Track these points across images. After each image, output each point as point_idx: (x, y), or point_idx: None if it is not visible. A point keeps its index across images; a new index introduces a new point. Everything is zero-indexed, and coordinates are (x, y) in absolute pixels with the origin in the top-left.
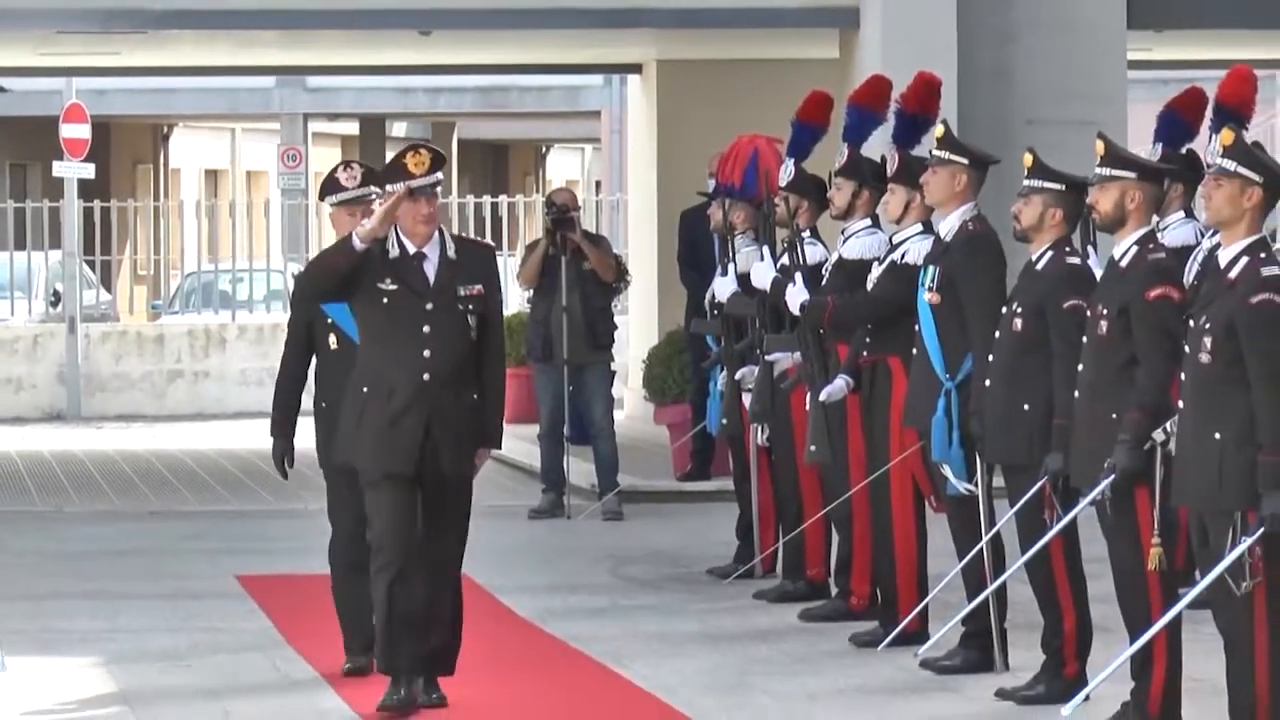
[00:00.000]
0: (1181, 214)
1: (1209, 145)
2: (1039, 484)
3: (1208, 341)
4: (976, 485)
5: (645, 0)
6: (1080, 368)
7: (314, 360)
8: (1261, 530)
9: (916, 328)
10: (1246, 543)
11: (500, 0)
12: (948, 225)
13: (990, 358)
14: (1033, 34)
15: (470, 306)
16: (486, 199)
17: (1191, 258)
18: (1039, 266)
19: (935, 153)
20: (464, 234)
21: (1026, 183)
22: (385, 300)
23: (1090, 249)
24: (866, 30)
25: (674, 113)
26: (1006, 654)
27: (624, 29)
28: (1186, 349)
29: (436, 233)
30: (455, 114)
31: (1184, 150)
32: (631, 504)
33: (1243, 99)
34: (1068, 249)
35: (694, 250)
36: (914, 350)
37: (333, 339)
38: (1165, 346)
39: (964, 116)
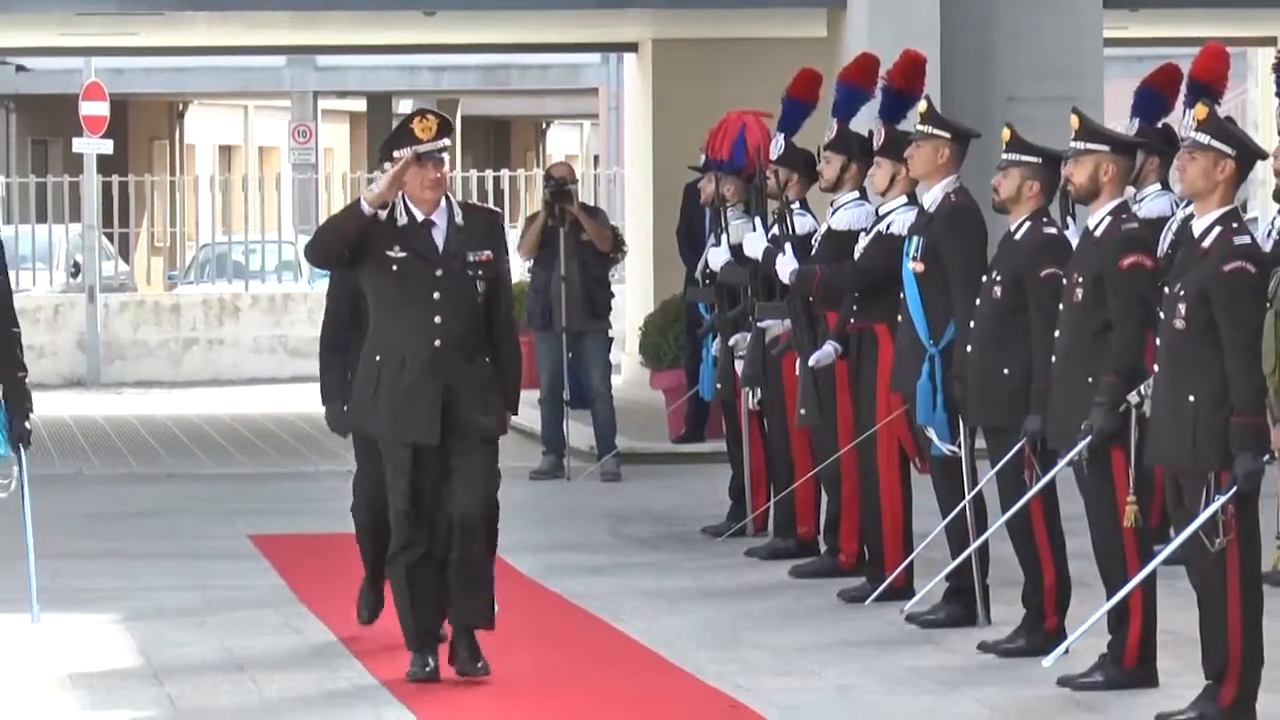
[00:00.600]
0: (1158, 186)
1: (1184, 120)
2: (1019, 445)
3: (1182, 308)
4: (959, 447)
5: None
6: (1057, 333)
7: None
8: (1234, 489)
9: (902, 296)
10: (1219, 501)
11: None
12: (931, 197)
13: (971, 324)
14: (1012, 14)
15: (480, 272)
16: (489, 173)
17: (1166, 228)
18: (1017, 236)
19: (919, 128)
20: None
21: (1005, 156)
22: (395, 268)
23: (1070, 219)
24: (853, 10)
25: (668, 90)
26: (989, 608)
27: (620, 9)
28: (1161, 315)
29: (444, 200)
30: (459, 91)
31: (1160, 124)
32: (629, 465)
33: (1216, 75)
34: (1045, 219)
35: (691, 222)
36: (899, 317)
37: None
38: (1138, 313)
39: (946, 93)
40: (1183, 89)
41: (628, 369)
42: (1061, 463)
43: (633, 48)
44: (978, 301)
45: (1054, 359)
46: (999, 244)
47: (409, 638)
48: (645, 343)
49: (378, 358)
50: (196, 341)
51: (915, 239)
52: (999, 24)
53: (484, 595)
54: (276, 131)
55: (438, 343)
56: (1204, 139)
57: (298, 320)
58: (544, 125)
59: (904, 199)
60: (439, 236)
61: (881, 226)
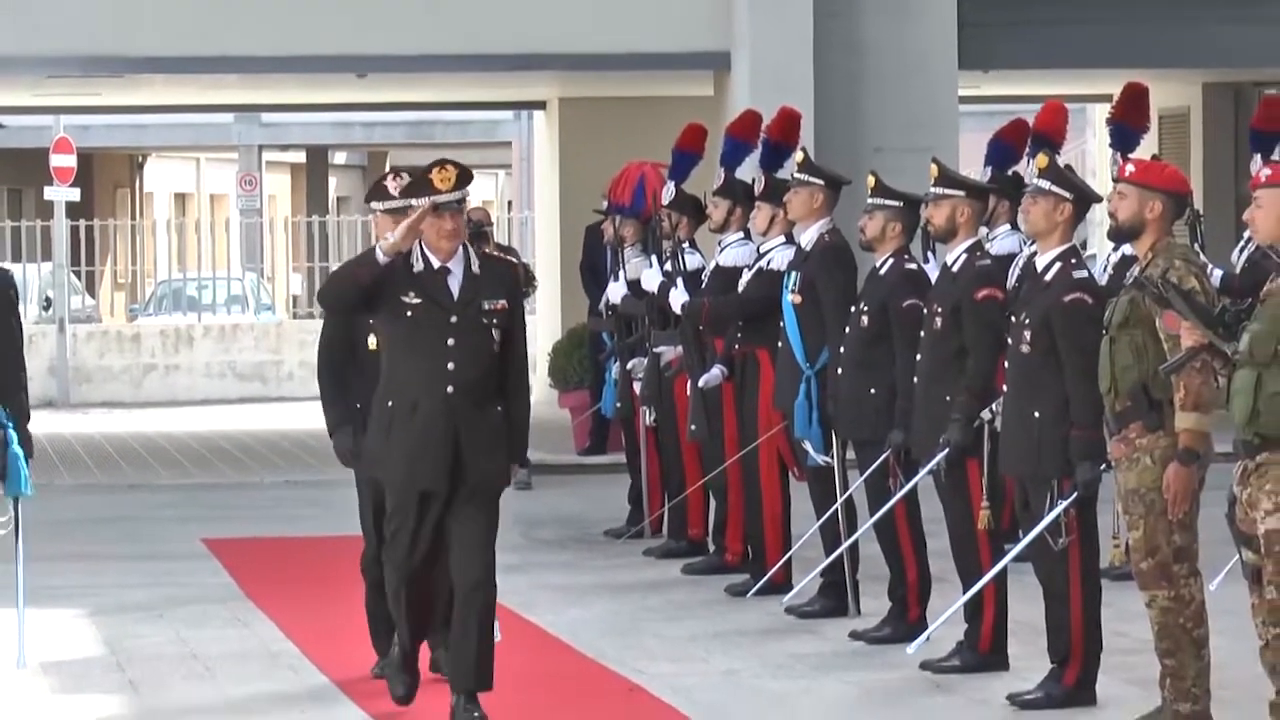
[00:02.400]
0: (1008, 226)
1: (1028, 168)
2: (884, 456)
3: (1027, 334)
4: (832, 457)
5: (548, 46)
6: (918, 357)
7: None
8: (1075, 494)
9: (781, 324)
10: (1062, 505)
11: (426, 46)
12: (807, 237)
13: (842, 349)
14: (878, 74)
15: (494, 320)
16: None
17: (1014, 264)
18: (882, 271)
19: (797, 175)
20: (500, 246)
21: (870, 200)
22: (409, 314)
23: (930, 255)
24: (737, 72)
25: (573, 143)
26: (859, 601)
27: (531, 71)
28: (1009, 341)
29: (460, 247)
30: (388, 144)
31: (1010, 172)
32: (540, 475)
33: (1055, 128)
34: (906, 256)
35: (592, 260)
36: (779, 343)
37: (372, 339)
38: (990, 339)
39: (820, 144)
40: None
41: (538, 390)
42: (922, 471)
43: (542, 105)
44: (848, 329)
45: (915, 380)
46: (866, 278)
47: (398, 667)
48: (553, 366)
49: (390, 403)
50: (155, 367)
51: (794, 274)
52: (867, 83)
53: (484, 659)
54: (225, 180)
55: (450, 389)
56: (1045, 185)
57: (245, 348)
58: None
59: (782, 238)
60: (454, 284)
61: (763, 263)
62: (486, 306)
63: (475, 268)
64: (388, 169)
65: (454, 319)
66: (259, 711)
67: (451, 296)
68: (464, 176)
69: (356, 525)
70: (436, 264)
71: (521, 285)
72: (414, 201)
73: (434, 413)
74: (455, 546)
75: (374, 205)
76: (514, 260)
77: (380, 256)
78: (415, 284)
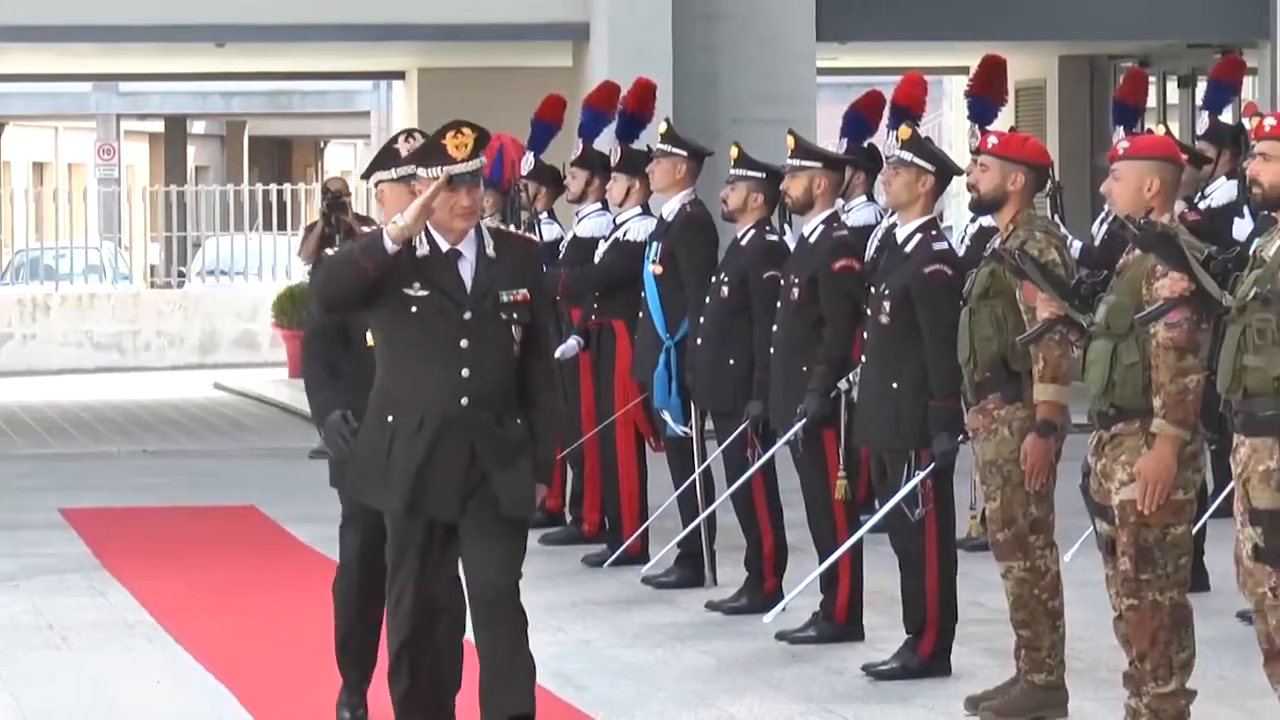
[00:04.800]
0: (864, 198)
1: (887, 139)
2: (742, 426)
3: (887, 305)
4: (690, 428)
5: (408, 16)
6: (776, 328)
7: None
8: (932, 465)
9: (642, 295)
10: (920, 476)
11: (284, 15)
12: (669, 207)
13: (702, 320)
14: (737, 45)
15: (514, 315)
16: (273, 187)
17: (873, 235)
18: (743, 243)
19: (660, 146)
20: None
21: (733, 171)
22: (415, 309)
23: (787, 227)
24: (595, 42)
25: (433, 113)
26: (715, 571)
27: (390, 41)
28: (868, 312)
29: (474, 228)
30: (246, 114)
31: (865, 144)
32: None
33: (915, 100)
34: (768, 228)
35: None
36: (639, 314)
37: (368, 335)
38: (847, 310)
39: (678, 115)
40: (886, 113)
41: None
42: (780, 442)
43: (400, 75)
44: (708, 300)
45: (773, 351)
46: (727, 249)
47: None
48: None
49: (390, 418)
50: (12, 336)
51: (655, 244)
52: (724, 54)
53: (524, 679)
54: (83, 150)
55: (465, 400)
56: (907, 156)
57: (102, 317)
58: (322, 144)
59: (639, 209)
60: (467, 271)
61: (619, 234)
62: (505, 298)
63: (490, 250)
64: (398, 136)
65: (468, 315)
66: (114, 681)
67: (464, 287)
68: (481, 141)
69: (213, 494)
70: (445, 247)
71: (543, 268)
72: (422, 172)
73: (444, 428)
74: (471, 562)
75: (379, 175)
76: (535, 240)
77: (389, 244)
78: (420, 272)
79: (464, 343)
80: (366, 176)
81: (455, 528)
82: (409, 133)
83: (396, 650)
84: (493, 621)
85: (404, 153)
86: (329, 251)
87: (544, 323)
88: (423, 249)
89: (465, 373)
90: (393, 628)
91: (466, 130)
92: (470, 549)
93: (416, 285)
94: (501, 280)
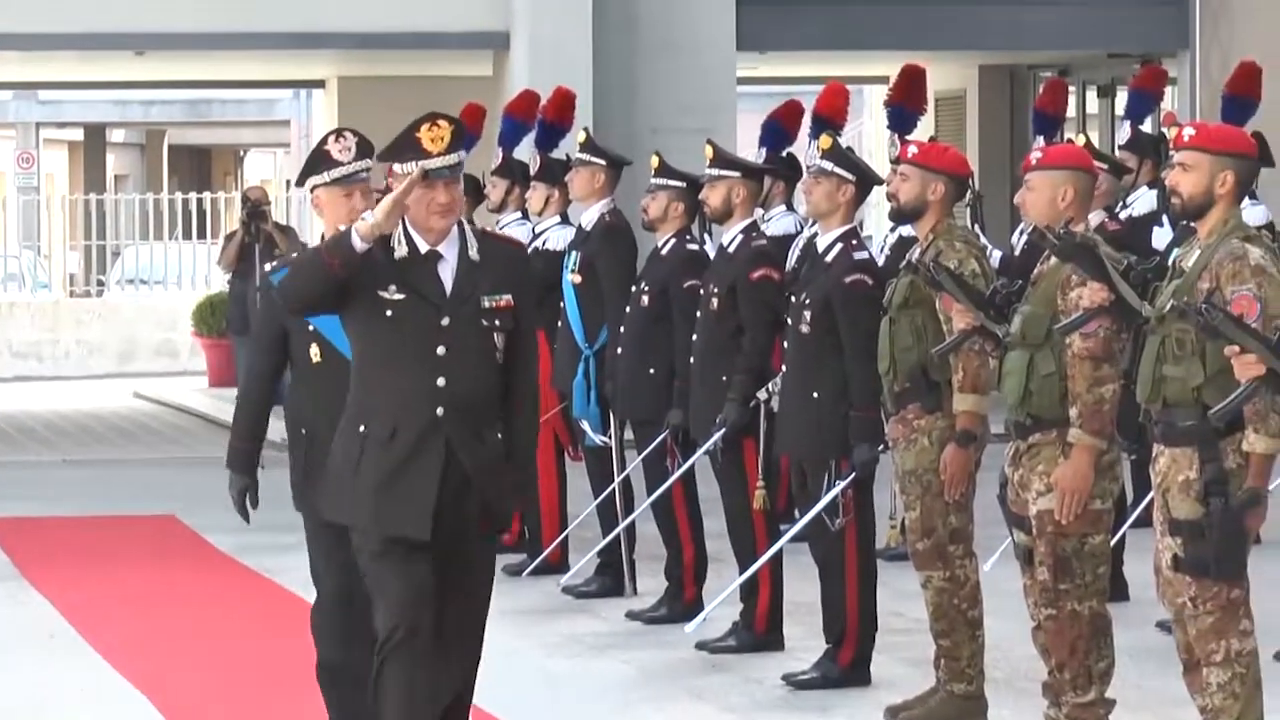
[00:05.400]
0: (783, 207)
1: (809, 149)
2: (662, 436)
3: (807, 314)
4: (610, 437)
5: (327, 25)
6: (696, 337)
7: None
8: (852, 475)
9: (561, 304)
10: (840, 486)
11: (204, 24)
12: (588, 216)
13: (622, 329)
14: (657, 54)
15: (497, 321)
16: (193, 195)
17: (793, 244)
18: (663, 252)
19: (579, 156)
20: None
21: (653, 181)
22: (389, 313)
23: (707, 236)
24: (515, 51)
25: (353, 122)
26: (635, 581)
27: (310, 50)
28: (789, 321)
29: (455, 227)
30: (166, 123)
31: (785, 153)
32: None
33: (837, 110)
34: (688, 237)
35: None
36: (559, 323)
37: (315, 350)
38: (767, 319)
39: (598, 125)
40: (806, 122)
41: None
42: (699, 451)
43: (320, 84)
44: (628, 309)
45: (693, 360)
46: (647, 258)
47: None
48: None
49: (362, 427)
50: None
51: (574, 254)
52: (644, 63)
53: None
54: (2, 158)
55: (440, 410)
56: (828, 166)
57: (21, 326)
58: (242, 153)
59: (558, 218)
60: (446, 273)
61: (538, 243)
62: (487, 304)
63: (474, 252)
64: (328, 137)
65: (446, 320)
66: (33, 691)
67: (443, 291)
68: (459, 134)
69: (133, 503)
70: (424, 248)
71: (529, 273)
72: (396, 167)
73: (418, 440)
74: (441, 604)
75: (313, 180)
76: (522, 243)
77: (357, 242)
78: (397, 274)
79: (441, 349)
80: (300, 183)
81: (430, 553)
82: (338, 133)
83: (400, 675)
84: (448, 653)
85: (335, 154)
86: (279, 260)
87: (530, 330)
88: (401, 250)
89: (441, 381)
90: (383, 653)
91: (443, 122)
92: (439, 571)
93: (392, 288)
94: (484, 284)
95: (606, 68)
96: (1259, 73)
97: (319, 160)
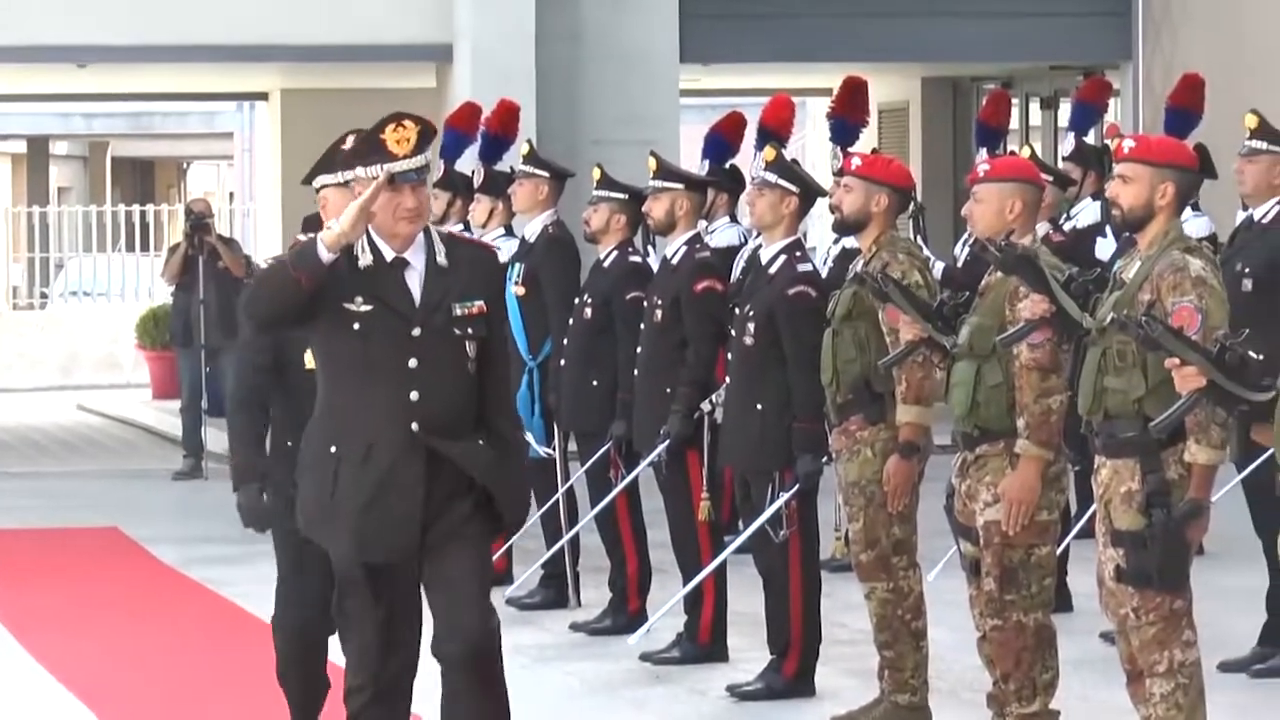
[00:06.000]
0: (727, 219)
1: (754, 161)
2: (605, 447)
3: (751, 326)
4: (554, 449)
5: (270, 38)
6: (640, 349)
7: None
8: (796, 486)
9: (504, 315)
10: (784, 498)
11: (146, 36)
12: (531, 228)
13: (566, 341)
14: (599, 66)
15: (469, 329)
16: (136, 208)
17: (738, 256)
18: (606, 264)
19: (522, 168)
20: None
21: (595, 193)
22: (356, 325)
23: (650, 248)
24: (458, 63)
25: (295, 134)
26: (579, 593)
27: (253, 63)
28: (733, 333)
29: (423, 233)
30: (109, 135)
31: (728, 165)
32: None
33: (782, 122)
34: (630, 249)
35: None
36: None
37: (309, 357)
38: (710, 331)
39: (541, 136)
40: (751, 133)
41: None
42: (643, 463)
43: (264, 96)
44: (571, 321)
45: (637, 372)
46: (590, 270)
47: None
48: None
49: (334, 448)
50: None
51: (517, 265)
52: (587, 75)
53: None
54: None
55: (415, 426)
56: (772, 178)
57: None
58: (185, 165)
59: (502, 230)
60: (415, 282)
61: None
62: (459, 311)
63: (442, 258)
64: (346, 136)
65: (416, 331)
66: None
67: (412, 300)
68: (426, 135)
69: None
70: (390, 256)
71: (502, 277)
72: (360, 171)
73: (394, 460)
74: (436, 614)
75: (323, 179)
76: (493, 246)
77: (323, 252)
78: (363, 284)
79: (413, 362)
80: (308, 181)
81: (412, 577)
82: (358, 132)
83: (352, 690)
84: (471, 688)
85: (392, 146)
86: (260, 274)
87: (501, 337)
88: (365, 258)
89: (414, 395)
90: (352, 671)
91: (409, 123)
92: (434, 595)
93: (358, 299)
94: (455, 291)
95: (549, 80)
96: (1202, 84)
97: (332, 158)
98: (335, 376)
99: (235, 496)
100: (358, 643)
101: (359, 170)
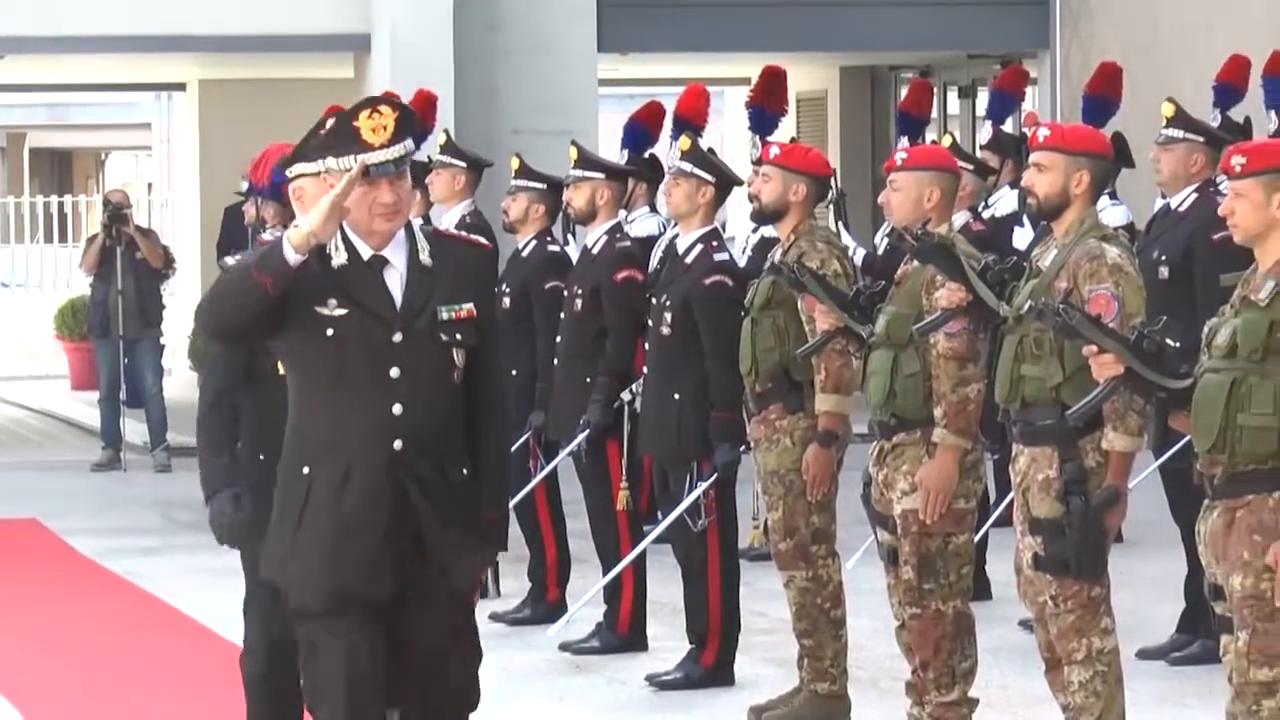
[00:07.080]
0: (647, 209)
1: (670, 150)
2: (525, 437)
3: (668, 316)
4: None
5: (188, 28)
6: (559, 339)
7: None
8: (714, 476)
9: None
10: (702, 487)
11: (64, 27)
12: (449, 218)
13: None
14: (517, 55)
15: (457, 335)
16: (54, 198)
17: (656, 246)
18: (524, 254)
19: (439, 158)
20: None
21: (514, 182)
22: (330, 331)
23: (570, 238)
24: (376, 54)
25: (214, 124)
26: (499, 582)
27: (170, 53)
28: (650, 323)
29: (403, 230)
30: (26, 126)
31: (647, 154)
32: (179, 458)
33: (698, 111)
34: (549, 238)
35: (231, 241)
36: None
37: (279, 364)
38: (630, 320)
39: (460, 126)
40: (668, 123)
41: (178, 372)
42: (563, 453)
43: (181, 87)
44: None
45: (556, 361)
46: (508, 260)
47: None
48: (193, 349)
49: (306, 469)
50: None
51: None
52: (505, 65)
53: None
54: None
55: (398, 444)
56: (688, 167)
57: None
58: (103, 156)
59: (420, 220)
60: (395, 283)
61: None
62: (445, 315)
63: (425, 256)
64: (326, 120)
65: (398, 336)
66: None
67: (392, 303)
68: (404, 122)
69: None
70: (367, 254)
71: (493, 276)
72: (333, 162)
73: (373, 481)
74: (418, 668)
75: (300, 168)
76: (484, 241)
77: (290, 254)
78: (337, 285)
79: (394, 371)
80: (285, 167)
81: (391, 615)
82: (339, 112)
83: None
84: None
85: (366, 135)
86: (218, 274)
87: (493, 344)
88: (340, 257)
89: (397, 409)
90: None
91: (385, 108)
92: (412, 634)
93: (332, 302)
94: (440, 293)
95: (467, 69)
96: (1119, 73)
97: (307, 146)
98: (308, 389)
99: (218, 506)
100: (318, 684)
101: (330, 161)
